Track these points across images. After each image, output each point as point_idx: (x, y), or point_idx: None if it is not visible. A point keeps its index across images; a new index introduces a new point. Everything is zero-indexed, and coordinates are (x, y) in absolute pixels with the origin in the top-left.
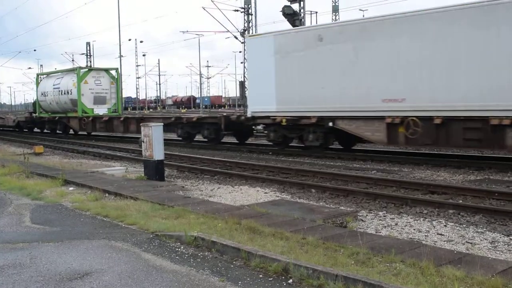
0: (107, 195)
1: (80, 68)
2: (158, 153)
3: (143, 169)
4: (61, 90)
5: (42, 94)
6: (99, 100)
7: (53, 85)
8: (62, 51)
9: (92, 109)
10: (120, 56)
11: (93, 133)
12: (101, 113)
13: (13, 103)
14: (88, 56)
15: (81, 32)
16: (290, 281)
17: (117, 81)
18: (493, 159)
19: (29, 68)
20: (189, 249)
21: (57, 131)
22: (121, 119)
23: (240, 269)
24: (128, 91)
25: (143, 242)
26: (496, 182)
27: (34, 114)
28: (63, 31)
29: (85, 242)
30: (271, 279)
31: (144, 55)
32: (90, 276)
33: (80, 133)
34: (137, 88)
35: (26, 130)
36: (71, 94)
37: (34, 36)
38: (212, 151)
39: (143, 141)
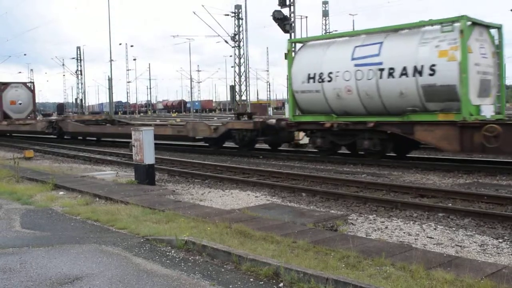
0: (97, 199)
1: (463, 19)
2: (148, 157)
3: (133, 173)
4: (393, 67)
5: (311, 77)
6: (484, 87)
7: (357, 57)
8: (51, 56)
9: (478, 106)
10: (111, 60)
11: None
12: (488, 115)
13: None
14: (79, 61)
15: (71, 37)
16: (281, 284)
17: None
18: (482, 162)
19: (19, 72)
20: (180, 253)
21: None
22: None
23: (231, 273)
24: (118, 96)
25: (133, 246)
26: (485, 185)
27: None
28: (52, 36)
29: (75, 246)
30: (262, 282)
31: (134, 60)
32: (81, 281)
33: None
34: (127, 93)
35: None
36: (429, 74)
37: (23, 41)
38: (204, 155)
39: (134, 145)
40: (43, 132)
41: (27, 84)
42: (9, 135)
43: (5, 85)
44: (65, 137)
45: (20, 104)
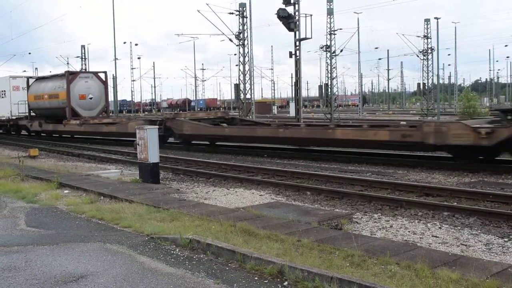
0: (102, 198)
1: None
2: (153, 155)
3: (138, 172)
4: None
5: None
6: None
7: None
8: (56, 54)
9: None
10: (115, 59)
11: None
12: None
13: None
14: (83, 59)
15: (75, 35)
16: (286, 283)
17: None
18: (487, 161)
19: (24, 71)
20: (184, 252)
21: None
22: None
23: (235, 272)
24: (123, 94)
25: (138, 245)
26: (490, 184)
27: None
28: (56, 34)
29: (80, 245)
30: (266, 281)
31: (139, 58)
32: (85, 279)
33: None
34: (132, 91)
35: None
36: None
37: (28, 39)
38: (208, 154)
39: (138, 144)
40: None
41: (99, 74)
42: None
43: (74, 75)
44: (176, 140)
45: (91, 98)
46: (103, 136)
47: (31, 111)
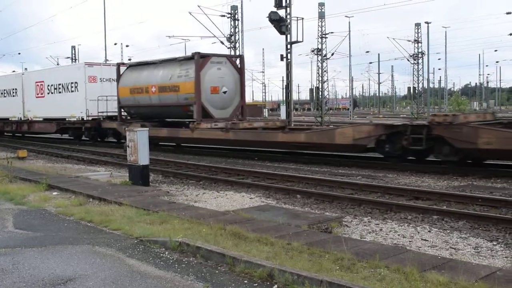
0: (91, 200)
1: None
2: (143, 158)
3: (128, 174)
4: None
5: None
6: None
7: None
8: (46, 55)
9: None
10: (106, 60)
11: None
12: None
13: None
14: (74, 60)
15: (65, 36)
16: (275, 286)
17: None
18: (476, 165)
19: (13, 71)
20: (174, 255)
21: None
22: None
23: (225, 275)
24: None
25: (127, 247)
26: (479, 188)
27: None
28: (46, 35)
29: (68, 247)
30: (256, 284)
31: (130, 59)
32: (74, 282)
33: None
34: None
35: None
36: None
37: (17, 40)
38: (198, 157)
39: (128, 146)
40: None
41: (232, 58)
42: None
43: (205, 58)
44: (446, 159)
45: (225, 93)
46: (278, 148)
47: (123, 109)
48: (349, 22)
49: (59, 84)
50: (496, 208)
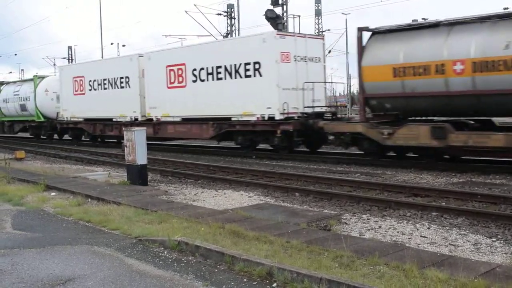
0: (89, 200)
1: None
2: (141, 157)
3: (126, 174)
4: None
5: None
6: None
7: None
8: (42, 56)
9: None
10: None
11: None
12: None
13: None
14: (70, 60)
15: (61, 36)
16: (274, 284)
17: None
18: (475, 161)
19: (10, 72)
20: (173, 254)
21: None
22: None
23: (224, 274)
24: None
25: (126, 247)
26: (478, 184)
27: None
28: (42, 35)
29: (67, 247)
30: (255, 283)
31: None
32: (73, 282)
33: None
34: None
35: None
36: None
37: (13, 41)
38: (196, 156)
39: (126, 146)
40: None
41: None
42: None
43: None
44: None
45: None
46: None
47: (370, 102)
48: (346, 19)
49: (219, 67)
50: (495, 205)
